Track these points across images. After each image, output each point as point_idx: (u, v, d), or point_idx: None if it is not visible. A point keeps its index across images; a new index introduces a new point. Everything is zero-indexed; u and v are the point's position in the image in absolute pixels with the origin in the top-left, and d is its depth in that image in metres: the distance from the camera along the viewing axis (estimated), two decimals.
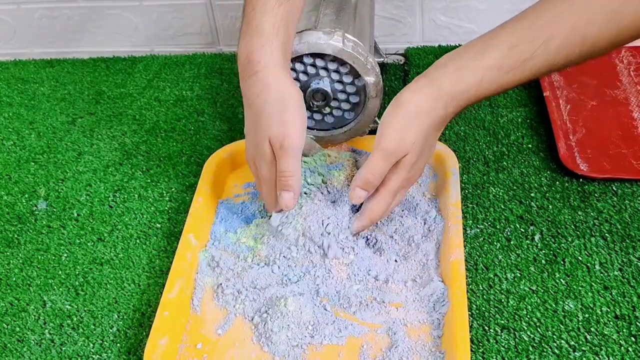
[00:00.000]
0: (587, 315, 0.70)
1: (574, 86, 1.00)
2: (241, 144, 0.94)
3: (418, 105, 0.69)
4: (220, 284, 0.76)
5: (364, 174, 0.72)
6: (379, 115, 0.92)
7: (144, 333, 0.73)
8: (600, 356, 0.66)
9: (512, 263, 0.76)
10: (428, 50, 1.16)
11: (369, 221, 0.75)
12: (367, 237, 0.78)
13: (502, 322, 0.70)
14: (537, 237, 0.78)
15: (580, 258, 0.76)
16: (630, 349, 0.66)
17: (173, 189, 0.92)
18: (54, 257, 0.84)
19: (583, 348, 0.67)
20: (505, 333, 0.69)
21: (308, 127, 0.90)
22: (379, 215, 0.74)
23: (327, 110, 0.88)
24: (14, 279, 0.82)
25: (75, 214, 0.90)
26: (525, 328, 0.69)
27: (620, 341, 0.67)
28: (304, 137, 0.74)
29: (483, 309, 0.72)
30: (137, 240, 0.85)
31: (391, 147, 0.70)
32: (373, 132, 0.93)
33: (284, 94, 0.73)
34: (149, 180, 0.94)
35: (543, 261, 0.76)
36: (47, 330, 0.75)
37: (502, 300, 0.72)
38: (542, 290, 0.73)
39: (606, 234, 0.78)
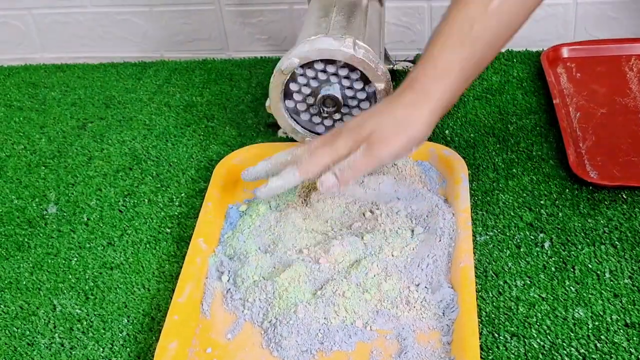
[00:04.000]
0: (597, 323, 0.70)
1: (583, 94, 1.00)
2: (251, 149, 0.94)
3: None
4: (229, 289, 0.76)
5: None
6: None
7: (154, 337, 0.73)
8: None
9: (522, 270, 0.76)
10: None
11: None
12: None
13: (512, 329, 0.70)
14: (547, 245, 0.78)
15: (590, 266, 0.76)
16: None
17: (183, 194, 0.92)
18: (64, 261, 0.84)
19: (593, 356, 0.67)
20: (515, 340, 0.69)
21: (318, 134, 0.90)
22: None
23: (338, 116, 0.88)
24: (24, 282, 0.82)
25: (85, 219, 0.90)
26: (535, 335, 0.69)
27: (631, 349, 0.67)
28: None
29: (493, 315, 0.72)
30: (147, 245, 0.85)
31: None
32: None
33: None
34: (158, 185, 0.94)
35: (553, 268, 0.76)
36: (57, 334, 0.76)
37: (512, 307, 0.72)
38: (552, 298, 0.73)
39: (616, 242, 0.78)
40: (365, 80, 0.85)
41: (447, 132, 0.97)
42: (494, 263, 0.77)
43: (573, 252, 0.77)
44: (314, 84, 0.87)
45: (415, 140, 0.72)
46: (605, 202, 0.83)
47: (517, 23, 0.74)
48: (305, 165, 0.73)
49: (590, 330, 0.69)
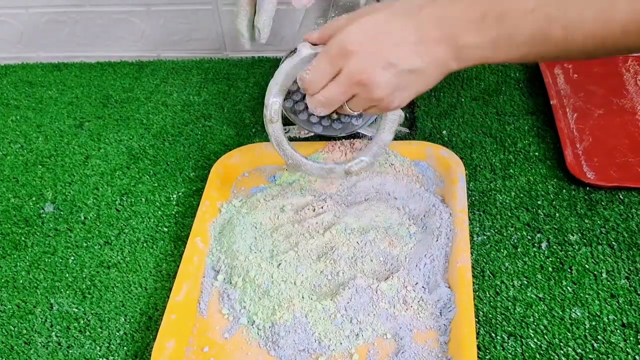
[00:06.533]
0: (594, 323, 0.70)
1: (580, 95, 1.00)
2: (248, 148, 0.94)
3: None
4: (226, 287, 0.76)
5: (302, 75, 0.69)
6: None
7: (151, 336, 0.73)
8: None
9: (519, 270, 0.76)
10: None
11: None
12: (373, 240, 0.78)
13: (509, 329, 0.70)
14: (544, 245, 0.79)
15: (587, 266, 0.76)
16: (637, 357, 0.66)
17: (180, 193, 0.92)
18: (61, 260, 0.84)
19: (590, 356, 0.67)
20: (512, 340, 0.69)
21: (316, 133, 0.90)
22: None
23: (335, 116, 0.88)
24: (21, 281, 0.82)
25: (83, 217, 0.90)
26: (533, 335, 0.69)
27: (627, 349, 0.67)
28: None
29: (490, 315, 0.72)
30: (144, 244, 0.85)
31: (333, 47, 0.66)
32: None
33: None
34: (156, 184, 0.94)
35: (550, 269, 0.76)
36: (54, 333, 0.76)
37: (509, 307, 0.72)
38: (549, 298, 0.73)
39: (613, 243, 0.78)
40: None
41: (444, 132, 0.97)
42: (491, 263, 0.77)
43: (570, 253, 0.77)
44: None
45: None
46: (602, 203, 0.83)
47: None
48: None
49: (587, 331, 0.69)
